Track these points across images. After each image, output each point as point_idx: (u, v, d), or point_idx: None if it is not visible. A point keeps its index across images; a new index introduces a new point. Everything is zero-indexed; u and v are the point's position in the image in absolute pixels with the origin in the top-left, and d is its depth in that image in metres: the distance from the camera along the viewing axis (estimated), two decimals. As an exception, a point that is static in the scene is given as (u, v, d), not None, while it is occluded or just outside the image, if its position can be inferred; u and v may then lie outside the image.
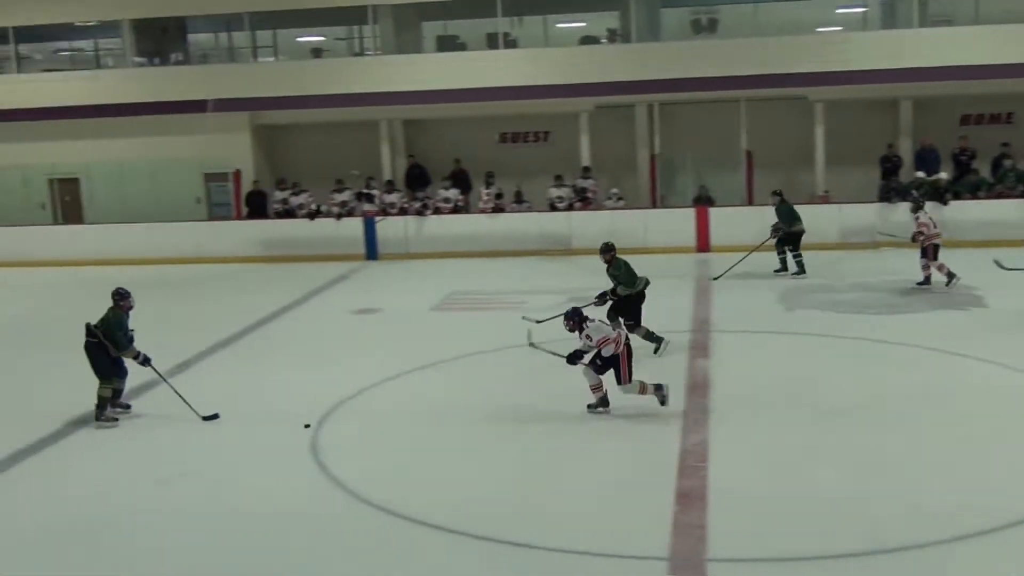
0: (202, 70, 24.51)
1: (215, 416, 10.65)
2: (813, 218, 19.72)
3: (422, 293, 17.16)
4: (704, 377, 11.62)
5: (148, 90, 22.96)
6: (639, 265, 18.19)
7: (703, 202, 21.19)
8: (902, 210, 19.28)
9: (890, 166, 20.61)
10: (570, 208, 21.15)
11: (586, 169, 21.77)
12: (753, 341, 13.28)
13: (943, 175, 19.98)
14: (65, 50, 28.64)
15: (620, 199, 21.34)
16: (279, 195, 22.11)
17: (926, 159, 20.53)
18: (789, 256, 17.49)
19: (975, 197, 19.85)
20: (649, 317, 14.20)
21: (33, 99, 23.18)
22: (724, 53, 21.29)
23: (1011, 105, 21.72)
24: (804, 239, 17.52)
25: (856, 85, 20.80)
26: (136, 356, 10.82)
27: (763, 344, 13.14)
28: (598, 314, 11.89)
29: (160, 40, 24.86)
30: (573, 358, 10.40)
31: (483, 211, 21.47)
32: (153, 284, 18.78)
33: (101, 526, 8.20)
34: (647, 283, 12.96)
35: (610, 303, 12.86)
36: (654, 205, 21.70)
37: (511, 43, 23.25)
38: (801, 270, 17.38)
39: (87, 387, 10.91)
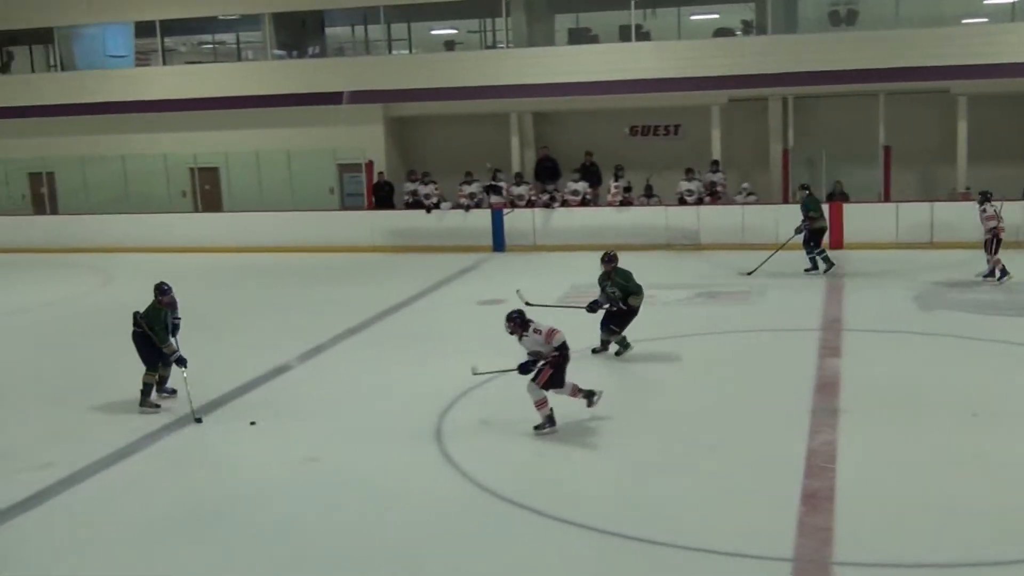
0: (338, 62, 24.99)
1: (200, 420, 10.59)
2: (953, 216, 19.16)
3: (547, 285, 17.11)
4: (834, 376, 11.36)
5: (286, 82, 23.54)
6: (773, 260, 18.01)
7: (837, 198, 20.71)
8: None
9: (1037, 163, 19.84)
10: (699, 202, 20.91)
11: (715, 163, 21.51)
12: (886, 341, 12.93)
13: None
14: (208, 43, 29.57)
15: (751, 194, 21.00)
16: (409, 186, 22.41)
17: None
18: (818, 256, 17.44)
19: None
20: (782, 314, 14.08)
21: (177, 90, 24.00)
22: (863, 45, 20.76)
23: None
24: (949, 237, 16.99)
25: (1003, 79, 20.05)
26: (172, 352, 10.93)
27: (896, 344, 12.78)
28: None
29: (299, 33, 25.45)
30: (524, 368, 9.96)
31: (611, 204, 21.39)
32: (286, 271, 19.35)
33: (232, 506, 8.43)
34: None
35: (603, 312, 12.55)
36: (786, 201, 21.27)
37: (643, 35, 23.08)
38: (829, 265, 17.36)
39: (218, 370, 11.23)
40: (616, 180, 21.42)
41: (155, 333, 10.82)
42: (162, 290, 10.99)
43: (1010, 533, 7.38)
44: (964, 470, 8.60)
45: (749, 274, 17.35)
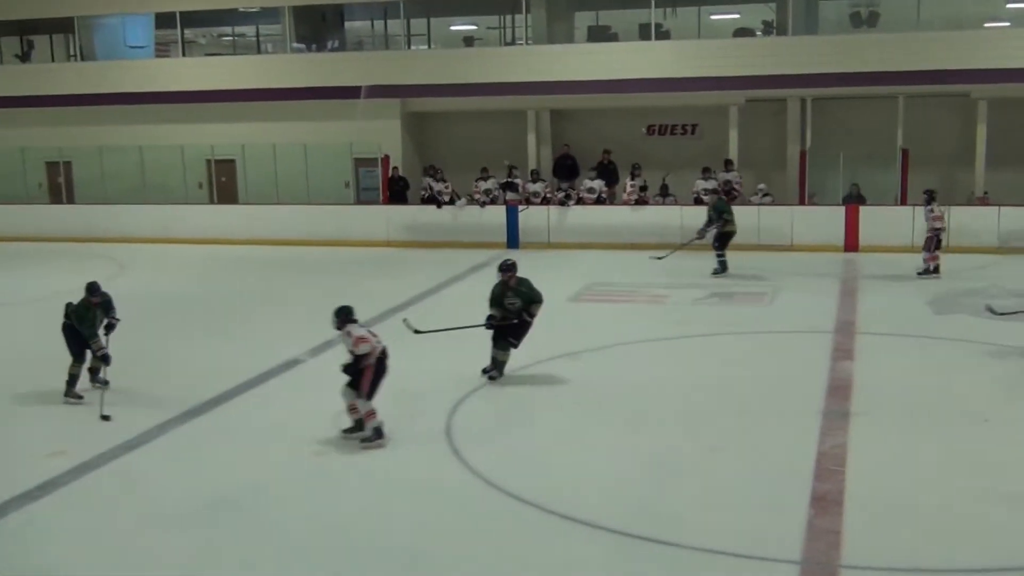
0: (357, 57, 25.01)
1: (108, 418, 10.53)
2: (970, 220, 19.06)
3: (561, 283, 17.13)
4: (846, 380, 11.31)
5: (304, 75, 23.56)
6: (787, 262, 17.99)
7: (854, 200, 20.63)
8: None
9: (1056, 168, 19.71)
10: (718, 202, 20.85)
11: (728, 162, 21.43)
12: (899, 345, 12.87)
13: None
14: (228, 35, 29.63)
15: (767, 195, 20.92)
16: (426, 181, 22.42)
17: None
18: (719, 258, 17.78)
19: None
20: (795, 316, 14.03)
21: (195, 82, 24.06)
22: (884, 48, 20.64)
23: None
24: (965, 242, 16.96)
25: (1023, 84, 19.91)
26: (99, 349, 10.93)
27: (909, 348, 12.72)
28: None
29: (318, 27, 25.47)
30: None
31: (626, 203, 21.34)
32: (301, 264, 19.37)
33: (237, 500, 8.44)
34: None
35: (500, 324, 11.52)
36: (802, 202, 21.19)
37: (663, 34, 23.02)
38: (723, 269, 17.65)
39: (229, 361, 11.26)
40: (632, 179, 21.37)
41: (83, 329, 10.81)
42: (91, 290, 10.92)
43: (1019, 540, 7.33)
44: (974, 476, 8.55)
45: (660, 259, 18.11)
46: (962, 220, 19.36)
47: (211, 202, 24.91)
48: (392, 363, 11.81)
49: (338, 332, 9.79)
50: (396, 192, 22.85)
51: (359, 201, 24.04)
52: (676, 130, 23.36)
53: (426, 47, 26.70)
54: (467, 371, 11.65)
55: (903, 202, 20.53)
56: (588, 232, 21.03)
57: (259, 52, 28.13)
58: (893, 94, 21.00)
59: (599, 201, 21.62)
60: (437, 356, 12.51)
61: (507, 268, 11.64)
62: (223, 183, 25.07)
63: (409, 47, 25.44)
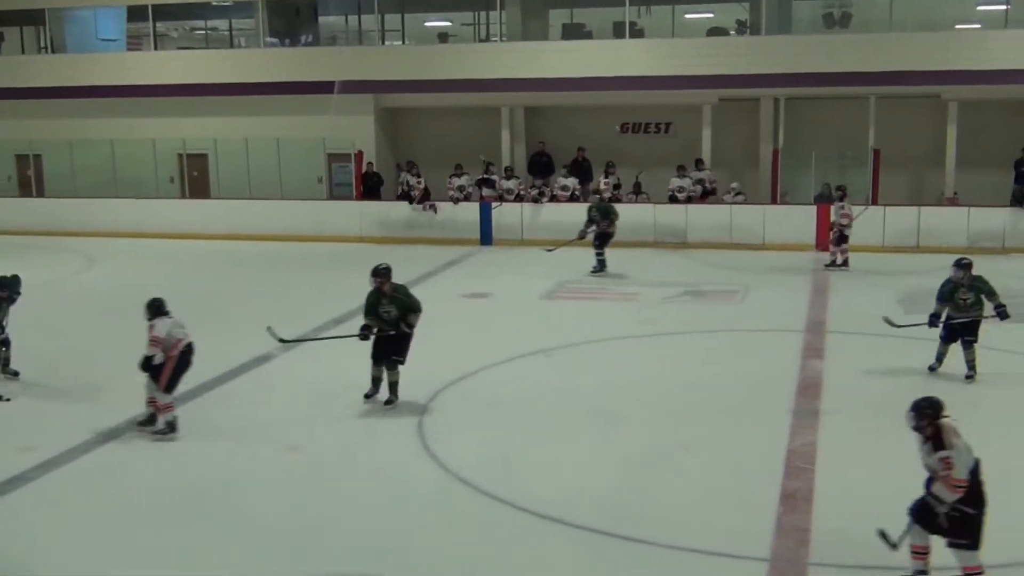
0: (331, 52, 24.90)
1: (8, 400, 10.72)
2: (940, 221, 19.20)
3: (533, 280, 17.19)
4: (816, 378, 11.39)
5: (278, 70, 23.43)
6: (759, 260, 18.10)
7: (825, 200, 20.73)
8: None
9: (1024, 170, 19.87)
10: (691, 200, 20.91)
11: (699, 161, 21.50)
12: (868, 344, 12.94)
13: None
14: (200, 29, 29.47)
15: (739, 194, 21.00)
16: (403, 176, 22.37)
17: (1063, 165, 19.77)
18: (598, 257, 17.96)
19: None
20: (767, 314, 14.10)
21: (167, 76, 23.88)
22: (856, 48, 20.74)
23: None
24: (935, 242, 17.09)
25: (993, 85, 20.08)
26: None
27: (878, 347, 12.78)
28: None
29: (292, 21, 25.35)
30: (363, 332, 10.55)
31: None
32: (273, 259, 19.29)
33: (211, 494, 8.43)
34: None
35: (376, 336, 10.62)
36: (774, 201, 21.29)
37: (637, 33, 23.05)
38: (602, 267, 17.80)
39: (200, 358, 11.15)
40: (606, 177, 21.40)
41: None
42: None
43: (987, 538, 7.39)
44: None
45: (549, 251, 18.19)
46: (932, 221, 19.54)
47: (182, 196, 24.77)
48: (367, 362, 11.81)
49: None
50: (370, 188, 22.79)
51: (332, 197, 23.96)
52: (650, 128, 23.39)
53: (400, 43, 26.63)
54: (440, 368, 11.64)
55: (874, 202, 20.65)
56: (561, 229, 20.99)
57: (232, 46, 27.98)
58: (865, 94, 21.13)
59: (573, 199, 21.63)
60: (410, 356, 12.49)
61: (379, 273, 10.52)
62: (195, 177, 24.93)
63: (383, 43, 25.38)
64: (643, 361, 12.41)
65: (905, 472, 8.67)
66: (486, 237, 21.54)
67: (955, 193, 20.85)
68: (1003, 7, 22.95)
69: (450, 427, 9.97)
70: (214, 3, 25.68)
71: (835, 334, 13.47)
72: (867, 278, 17.10)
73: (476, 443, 9.55)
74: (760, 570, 6.99)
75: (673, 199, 21.02)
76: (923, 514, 6.31)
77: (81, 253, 20.97)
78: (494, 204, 21.52)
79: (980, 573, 6.44)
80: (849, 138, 21.61)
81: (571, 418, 10.19)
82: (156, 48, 25.60)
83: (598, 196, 18.76)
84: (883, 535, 6.56)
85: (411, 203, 21.90)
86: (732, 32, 24.12)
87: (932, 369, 11.42)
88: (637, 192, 21.51)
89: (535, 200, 21.54)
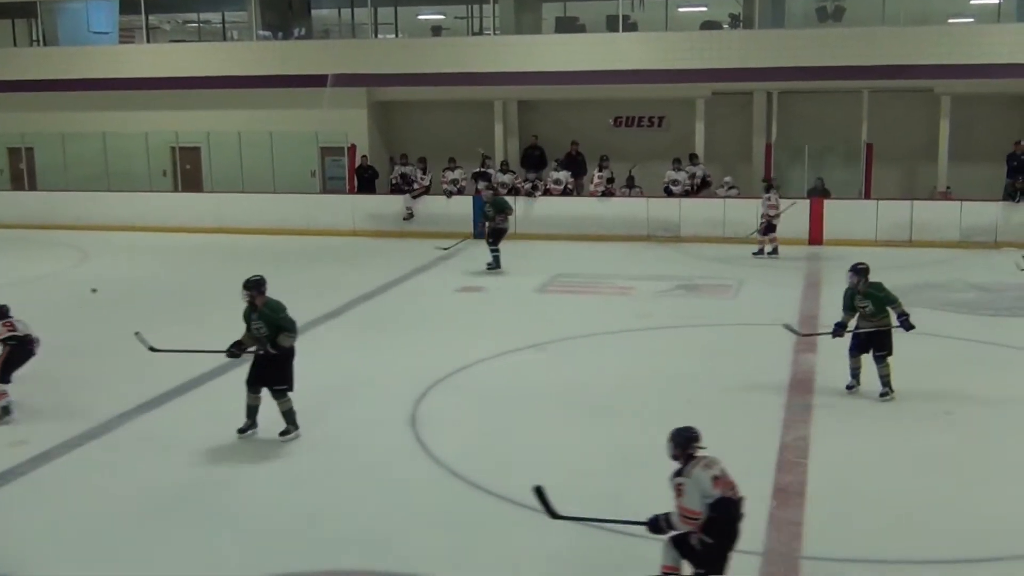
0: (324, 45, 24.88)
1: None
2: (933, 215, 19.23)
3: (527, 274, 17.19)
4: (809, 372, 11.41)
5: (271, 63, 23.38)
6: (751, 253, 18.08)
7: (818, 194, 20.77)
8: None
9: (1016, 164, 19.86)
10: (686, 194, 20.92)
11: (693, 156, 21.50)
12: (862, 338, 12.95)
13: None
14: (193, 22, 29.38)
15: (732, 187, 21.01)
16: (398, 169, 22.35)
17: (1053, 158, 19.82)
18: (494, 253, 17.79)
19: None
20: (759, 308, 14.05)
21: (160, 69, 23.83)
22: (849, 42, 20.76)
23: None
24: (928, 236, 17.13)
25: (986, 80, 20.12)
26: None
27: (872, 341, 12.81)
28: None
29: (285, 14, 25.30)
30: (231, 349, 9.51)
31: (593, 194, 21.38)
32: (265, 253, 19.23)
33: (202, 488, 8.43)
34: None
35: (254, 358, 9.52)
36: (768, 195, 21.29)
37: (631, 26, 23.04)
38: (497, 264, 17.64)
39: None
40: (600, 171, 21.40)
41: None
42: None
43: (979, 531, 7.43)
44: (935, 468, 8.65)
45: (445, 249, 18.36)
46: (924, 214, 19.59)
47: (175, 190, 24.72)
48: (359, 356, 11.78)
49: None
50: (364, 181, 22.77)
51: (325, 190, 23.94)
52: (643, 122, 23.38)
53: (393, 36, 26.60)
54: (433, 362, 11.64)
55: (867, 196, 20.70)
56: (555, 223, 21.05)
57: (225, 39, 27.89)
58: (858, 88, 21.14)
59: (566, 192, 21.64)
60: (403, 348, 12.52)
61: (250, 286, 9.41)
62: (187, 171, 24.87)
63: (376, 36, 25.33)
64: (636, 355, 12.41)
65: (897, 465, 8.74)
66: (479, 231, 21.51)
67: (948, 187, 20.89)
68: (996, 1, 23.00)
69: (443, 421, 9.97)
70: (207, -4, 25.65)
71: (828, 327, 13.44)
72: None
73: (469, 437, 9.55)
74: (753, 563, 7.00)
75: (668, 192, 21.02)
76: (679, 537, 6.24)
77: (74, 247, 20.92)
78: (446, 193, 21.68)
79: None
80: (842, 132, 21.64)
81: (564, 412, 10.19)
82: (148, 41, 25.57)
83: (491, 191, 18.54)
84: (539, 493, 6.65)
85: (411, 194, 21.82)
86: (725, 26, 24.13)
87: (849, 388, 10.49)
88: (630, 186, 21.53)
89: (528, 194, 21.54)
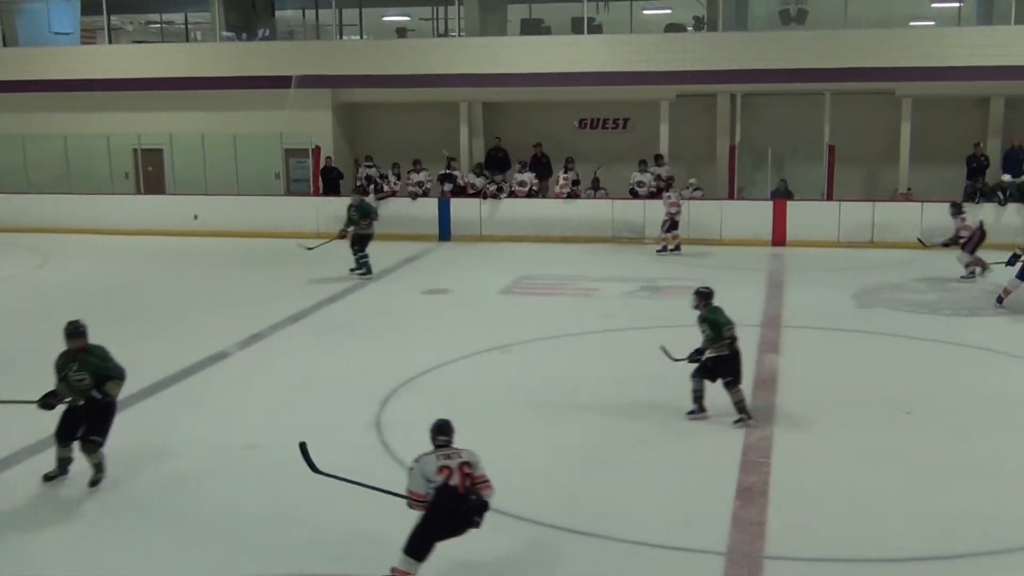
0: (288, 46, 24.77)
1: None
2: (894, 216, 19.43)
3: (492, 276, 17.19)
4: (772, 372, 11.48)
5: (234, 64, 23.23)
6: (716, 256, 18.18)
7: (782, 195, 20.91)
8: (987, 211, 18.97)
9: (976, 166, 20.13)
10: (651, 196, 20.99)
11: (658, 157, 21.59)
12: (823, 338, 13.08)
13: (1031, 177, 19.48)
14: (156, 23, 29.20)
15: (697, 189, 21.11)
16: (364, 171, 22.28)
17: (1013, 160, 20.04)
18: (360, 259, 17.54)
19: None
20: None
21: (122, 70, 23.62)
22: (812, 45, 20.91)
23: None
24: (889, 237, 17.30)
25: (947, 82, 20.33)
26: None
27: (833, 342, 12.94)
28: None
29: (248, 15, 25.16)
30: (45, 400, 8.44)
31: (558, 196, 21.40)
32: (230, 256, 19.14)
33: (167, 493, 8.35)
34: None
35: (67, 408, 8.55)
36: (731, 197, 21.43)
37: (596, 28, 23.10)
38: (368, 270, 17.44)
39: (156, 355, 11.12)
40: (565, 172, 21.44)
41: None
42: None
43: (940, 529, 7.51)
44: (896, 467, 8.73)
45: (310, 249, 18.01)
46: (886, 216, 19.77)
47: (138, 192, 24.52)
48: (324, 359, 11.78)
49: None
50: (329, 183, 22.68)
51: (290, 192, 23.82)
52: (608, 124, 23.45)
53: (358, 38, 26.53)
54: (399, 365, 11.61)
55: (829, 197, 20.85)
56: (520, 225, 21.06)
57: (188, 40, 27.73)
58: (820, 91, 21.30)
59: (531, 194, 21.65)
60: (368, 350, 12.49)
61: (72, 333, 8.44)
62: (150, 173, 24.67)
63: (341, 37, 25.24)
64: (600, 356, 12.44)
65: (859, 465, 8.82)
66: (445, 233, 21.51)
67: (909, 189, 21.09)
68: (956, 4, 23.29)
69: (408, 424, 9.90)
70: (169, -4, 25.49)
71: (791, 328, 13.58)
72: (822, 273, 17.24)
73: (434, 439, 9.53)
74: (716, 563, 7.04)
75: (633, 193, 21.09)
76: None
77: (35, 250, 20.70)
78: (452, 198, 21.48)
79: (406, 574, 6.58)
80: (805, 134, 21.78)
81: (529, 413, 10.20)
82: (110, 42, 25.34)
83: (359, 196, 18.16)
84: (303, 449, 7.05)
85: (377, 196, 21.69)
86: (689, 28, 24.26)
87: (690, 414, 9.88)
88: (595, 188, 21.58)
89: (493, 196, 21.54)
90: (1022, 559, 7.09)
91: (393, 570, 6.62)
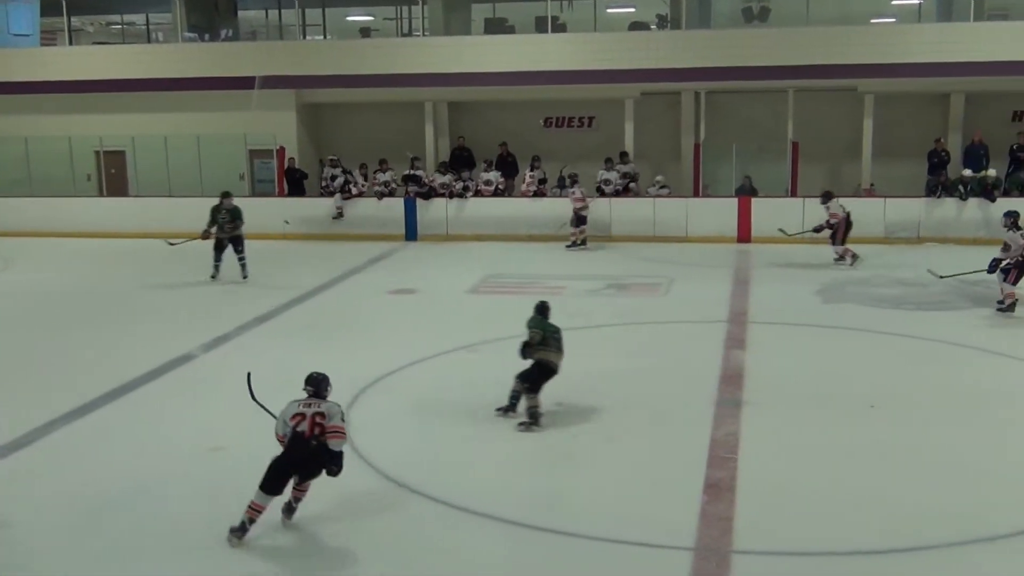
0: (251, 47, 24.65)
1: None
2: (857, 211, 19.53)
3: (459, 275, 17.17)
4: (739, 368, 11.53)
5: (197, 65, 23.08)
6: (682, 253, 18.22)
7: (746, 192, 21.03)
8: (948, 205, 19.15)
9: (938, 161, 20.30)
10: (617, 194, 21.04)
11: (623, 154, 21.64)
12: (789, 334, 13.16)
13: (991, 171, 19.67)
14: (117, 24, 28.97)
15: (664, 187, 21.19)
16: (328, 171, 22.17)
17: (973, 155, 20.26)
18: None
19: (1023, 194, 19.49)
20: (689, 306, 14.20)
21: (83, 71, 23.39)
22: (774, 42, 21.04)
23: (1066, 102, 21.36)
24: (853, 232, 17.54)
25: (908, 78, 20.52)
26: None
27: (799, 337, 13.02)
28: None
29: (211, 15, 25.02)
30: None
31: (525, 195, 21.41)
32: (195, 258, 18.96)
33: (132, 497, 8.26)
34: None
35: None
36: (696, 194, 21.52)
37: (560, 27, 23.14)
38: (212, 269, 17.31)
39: (120, 358, 11.03)
40: (532, 171, 21.44)
41: None
42: None
43: (906, 522, 7.57)
44: (862, 460, 8.79)
45: (172, 244, 18.04)
46: (850, 211, 19.89)
47: (100, 194, 24.29)
48: (291, 359, 11.75)
49: None
50: (293, 183, 22.57)
51: (254, 193, 23.68)
52: (573, 122, 23.49)
53: (321, 38, 26.44)
54: (366, 365, 11.58)
55: (794, 194, 20.98)
56: (486, 224, 21.05)
57: (149, 41, 27.54)
58: (783, 88, 21.43)
59: (497, 193, 21.64)
60: (334, 351, 12.43)
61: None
62: (112, 175, 24.45)
63: (304, 37, 25.15)
64: (568, 354, 12.40)
65: (825, 459, 8.88)
66: (411, 233, 21.47)
67: (872, 184, 21.27)
68: (916, 2, 23.52)
69: (376, 424, 9.91)
70: (130, -3, 25.29)
71: (757, 324, 13.65)
72: (788, 269, 17.35)
73: (402, 440, 9.51)
74: (685, 559, 7.06)
75: (600, 191, 21.14)
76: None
77: (-5, 253, 20.50)
78: (419, 198, 21.44)
79: (257, 510, 7.37)
80: (769, 131, 21.90)
81: (494, 413, 10.18)
82: (71, 43, 25.13)
83: (229, 198, 17.77)
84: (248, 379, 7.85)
85: (343, 195, 21.60)
86: (653, 27, 24.35)
87: (499, 409, 9.98)
88: (562, 186, 21.59)
89: (460, 194, 21.52)
90: (989, 550, 7.15)
91: (250, 504, 7.36)
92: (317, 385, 7.71)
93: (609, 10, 25.55)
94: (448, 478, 8.49)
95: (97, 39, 28.35)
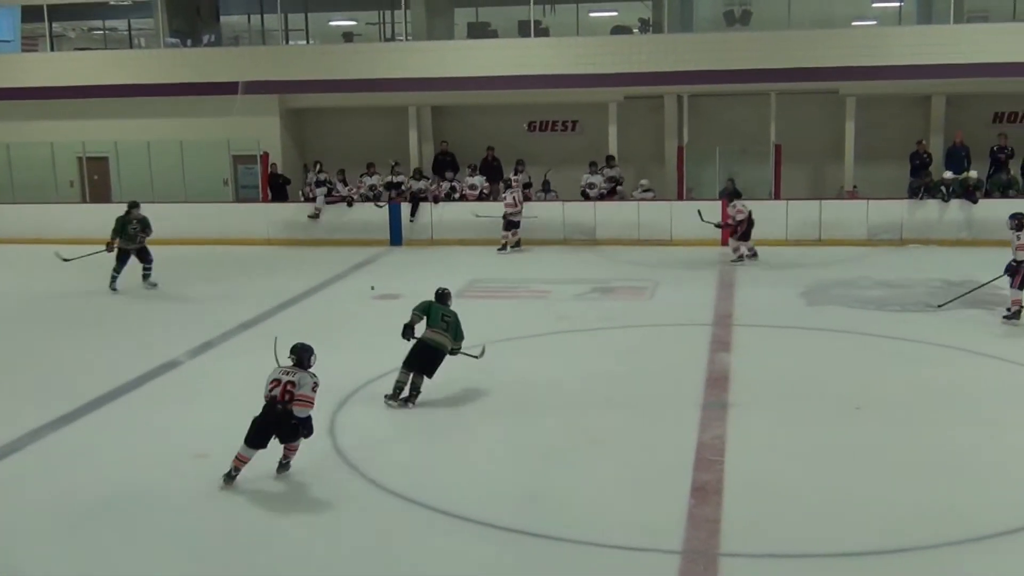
0: (233, 52, 24.51)
1: None
2: (840, 213, 19.67)
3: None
4: (724, 371, 11.57)
5: (180, 71, 23.02)
6: (667, 256, 18.29)
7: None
8: (931, 207, 19.25)
9: (919, 163, 20.42)
10: (602, 197, 21.05)
11: (609, 158, 21.68)
12: (774, 336, 13.21)
13: (973, 173, 19.79)
14: (99, 29, 28.80)
15: (648, 190, 21.23)
16: (312, 177, 22.14)
17: (955, 157, 20.36)
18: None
19: (1005, 196, 19.61)
20: (675, 309, 14.26)
21: (65, 77, 23.27)
22: (756, 45, 21.11)
23: (1045, 104, 21.49)
24: (836, 234, 17.60)
25: (889, 80, 20.61)
26: None
27: (784, 339, 13.07)
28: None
29: (193, 21, 24.93)
30: None
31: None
32: (179, 264, 18.94)
33: (117, 504, 8.24)
34: None
35: None
36: (680, 197, 21.56)
37: (542, 31, 23.15)
38: (112, 277, 17.17)
39: (104, 365, 10.98)
40: (516, 175, 21.44)
41: None
42: None
43: (893, 523, 7.60)
44: (847, 462, 8.84)
45: (66, 260, 17.43)
46: (833, 214, 20.01)
47: (83, 201, 24.18)
48: (272, 363, 11.69)
49: None
50: (277, 189, 22.52)
51: (238, 199, 23.63)
52: (557, 126, 23.51)
53: (304, 43, 26.37)
54: (352, 370, 11.56)
55: (777, 196, 21.05)
56: (471, 229, 21.03)
57: (132, 47, 27.40)
58: (765, 91, 21.50)
59: (481, 198, 21.64)
60: (320, 357, 12.37)
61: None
62: (95, 181, 24.35)
63: (287, 42, 25.08)
64: (554, 358, 12.47)
65: (812, 460, 8.91)
66: (396, 237, 21.45)
67: (855, 186, 21.35)
68: (897, 4, 23.61)
69: (362, 429, 9.91)
70: (112, 2, 25.12)
71: (742, 327, 13.70)
72: (772, 271, 17.42)
73: (389, 444, 9.53)
74: (672, 562, 7.08)
75: (585, 195, 21.16)
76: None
77: (-23, 261, 20.39)
78: (403, 203, 21.41)
79: (242, 460, 8.33)
80: (752, 134, 21.97)
81: (482, 416, 10.21)
82: (53, 49, 24.97)
83: (138, 208, 17.56)
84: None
85: (325, 199, 21.57)
86: (636, 30, 24.37)
87: (387, 397, 10.53)
88: (546, 190, 21.62)
89: (447, 197, 21.51)
90: (974, 551, 7.19)
91: (237, 455, 8.27)
92: (300, 355, 8.62)
93: (592, 14, 25.53)
94: (432, 481, 8.49)
95: (79, 45, 28.16)
